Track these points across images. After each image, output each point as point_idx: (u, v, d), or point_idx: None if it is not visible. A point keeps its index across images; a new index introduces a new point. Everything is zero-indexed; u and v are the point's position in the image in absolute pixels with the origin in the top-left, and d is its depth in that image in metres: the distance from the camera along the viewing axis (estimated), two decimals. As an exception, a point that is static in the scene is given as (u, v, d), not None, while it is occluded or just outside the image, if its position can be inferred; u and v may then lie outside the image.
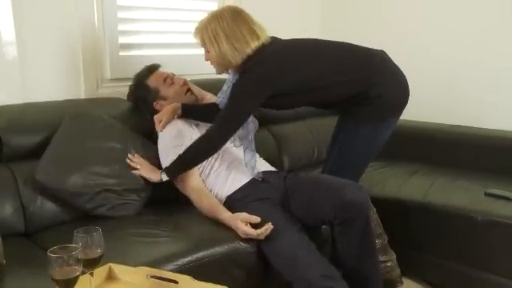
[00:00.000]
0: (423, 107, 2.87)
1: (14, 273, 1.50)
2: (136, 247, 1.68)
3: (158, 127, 2.10)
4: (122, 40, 2.46)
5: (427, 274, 2.29)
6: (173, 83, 2.19)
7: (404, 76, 2.03)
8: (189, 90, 2.21)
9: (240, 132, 2.02)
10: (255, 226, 1.76)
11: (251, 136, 2.06)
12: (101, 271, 1.35)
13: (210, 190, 2.01)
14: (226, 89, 2.03)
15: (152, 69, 2.22)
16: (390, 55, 2.05)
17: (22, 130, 1.94)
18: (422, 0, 3.00)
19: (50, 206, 1.89)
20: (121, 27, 2.44)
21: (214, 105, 2.15)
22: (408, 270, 2.26)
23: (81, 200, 1.87)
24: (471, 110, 2.82)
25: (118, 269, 1.40)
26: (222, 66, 1.97)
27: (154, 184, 2.00)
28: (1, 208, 1.80)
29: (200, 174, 2.03)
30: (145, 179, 1.99)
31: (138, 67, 2.25)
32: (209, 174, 2.04)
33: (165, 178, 1.94)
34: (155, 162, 2.05)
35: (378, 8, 3.20)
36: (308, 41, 2.06)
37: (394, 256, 2.15)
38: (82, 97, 2.32)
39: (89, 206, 1.89)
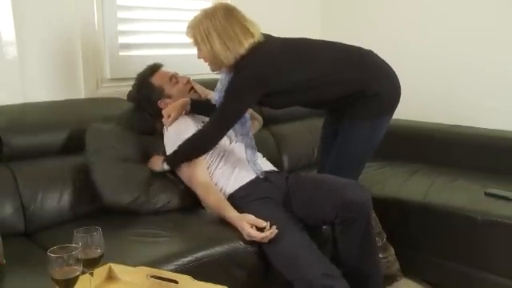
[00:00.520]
0: (423, 107, 2.88)
1: (14, 272, 1.50)
2: (136, 247, 1.69)
3: (166, 121, 2.09)
4: (122, 40, 2.46)
5: (427, 273, 2.29)
6: (177, 82, 2.19)
7: (395, 73, 2.04)
8: (192, 88, 2.21)
9: (240, 129, 2.03)
10: (260, 228, 1.76)
11: (251, 133, 2.07)
12: (101, 271, 1.35)
13: (215, 184, 2.01)
14: (221, 88, 2.03)
15: (155, 68, 2.22)
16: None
17: (22, 130, 1.95)
18: (423, 0, 3.00)
19: (49, 206, 1.90)
20: (121, 27, 2.44)
21: None
22: (408, 270, 2.26)
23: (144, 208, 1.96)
24: (471, 109, 2.81)
25: (118, 269, 1.40)
26: (215, 65, 1.96)
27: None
28: (1, 208, 1.80)
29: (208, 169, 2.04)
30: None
31: (138, 67, 2.25)
32: (214, 170, 2.04)
33: (166, 167, 1.99)
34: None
35: (378, 8, 3.20)
36: (302, 40, 2.05)
37: (393, 251, 2.17)
38: (82, 97, 2.32)
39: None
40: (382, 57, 2.05)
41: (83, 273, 1.18)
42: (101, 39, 2.36)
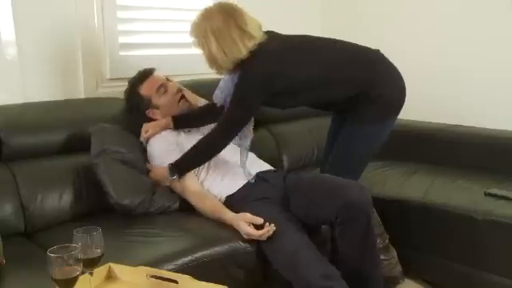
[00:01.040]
0: (423, 107, 2.87)
1: (14, 272, 1.50)
2: (136, 247, 1.68)
3: (142, 136, 2.10)
4: (122, 40, 2.46)
5: (427, 273, 2.29)
6: (166, 92, 2.15)
7: (401, 75, 2.03)
8: (182, 97, 2.18)
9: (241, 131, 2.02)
10: (258, 226, 1.76)
11: (250, 136, 2.07)
12: (101, 271, 1.35)
13: (208, 191, 2.01)
14: (223, 85, 2.02)
15: (144, 77, 2.18)
16: (390, 54, 2.05)
17: (22, 130, 1.95)
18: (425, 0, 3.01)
19: (49, 206, 1.90)
20: (120, 27, 2.44)
21: (208, 105, 2.16)
22: (408, 270, 2.26)
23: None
24: (471, 109, 2.81)
25: (118, 268, 1.40)
26: (214, 68, 1.94)
27: None
28: (0, 208, 1.80)
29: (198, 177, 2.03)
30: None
31: (138, 67, 2.24)
32: (205, 177, 2.04)
33: (171, 178, 1.95)
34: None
35: (378, 7, 3.20)
36: (307, 38, 2.03)
37: (395, 253, 2.16)
38: (82, 96, 2.32)
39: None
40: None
41: (83, 273, 1.18)
42: (100, 39, 2.36)
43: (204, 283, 1.31)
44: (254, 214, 1.78)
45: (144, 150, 2.11)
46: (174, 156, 1.99)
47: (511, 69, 2.70)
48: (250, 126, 2.05)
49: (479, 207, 2.10)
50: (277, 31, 2.01)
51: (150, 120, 2.16)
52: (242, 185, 1.99)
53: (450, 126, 2.82)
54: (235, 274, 1.74)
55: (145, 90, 2.15)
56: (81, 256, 1.14)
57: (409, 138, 2.80)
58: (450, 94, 2.92)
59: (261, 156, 2.22)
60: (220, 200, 1.97)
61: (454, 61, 2.89)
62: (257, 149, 2.21)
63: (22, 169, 1.90)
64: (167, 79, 2.21)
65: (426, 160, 2.73)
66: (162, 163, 2.01)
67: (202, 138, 1.96)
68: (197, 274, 1.37)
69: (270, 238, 1.74)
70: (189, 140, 2.09)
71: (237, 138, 2.02)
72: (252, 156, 2.15)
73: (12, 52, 2.07)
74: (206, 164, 2.04)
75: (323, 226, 1.94)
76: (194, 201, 1.96)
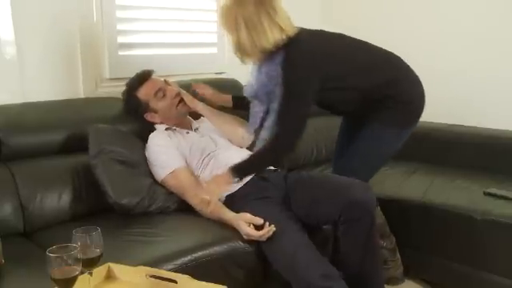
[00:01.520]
0: (422, 107, 2.87)
1: (13, 272, 1.50)
2: (135, 247, 1.68)
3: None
4: (121, 39, 2.45)
5: (426, 273, 2.29)
6: (164, 96, 2.14)
7: (421, 82, 2.03)
8: (180, 101, 2.17)
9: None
10: (258, 226, 1.76)
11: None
12: (100, 271, 1.35)
13: None
14: (252, 78, 1.97)
15: (142, 80, 2.16)
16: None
17: (21, 130, 1.94)
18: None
19: (48, 206, 1.89)
20: (120, 27, 2.43)
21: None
22: (407, 270, 2.26)
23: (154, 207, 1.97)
24: (471, 109, 2.81)
25: (117, 268, 1.40)
26: (242, 56, 1.89)
27: None
28: (0, 208, 1.80)
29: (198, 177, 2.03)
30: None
31: (138, 67, 2.24)
32: (204, 177, 2.02)
33: (235, 180, 1.87)
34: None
35: (379, 5, 3.19)
36: (338, 36, 1.98)
37: (398, 254, 2.18)
38: (81, 96, 2.31)
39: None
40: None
41: (82, 272, 1.18)
42: (100, 39, 2.36)
43: (203, 283, 1.31)
44: (254, 213, 1.78)
45: (142, 148, 2.10)
46: (177, 158, 2.00)
47: (511, 69, 2.70)
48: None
49: (478, 207, 2.11)
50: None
51: (148, 123, 2.16)
52: (246, 180, 1.97)
53: (449, 125, 2.82)
54: (235, 274, 1.74)
55: (143, 93, 2.14)
56: (80, 256, 1.14)
57: (408, 138, 2.79)
58: (450, 94, 2.91)
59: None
60: (220, 199, 1.97)
61: (454, 60, 2.89)
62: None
63: (21, 169, 1.90)
64: (166, 82, 2.20)
65: (426, 160, 2.73)
66: (168, 166, 2.00)
67: (266, 145, 1.89)
68: (196, 273, 1.37)
69: (269, 239, 1.74)
70: (188, 141, 2.09)
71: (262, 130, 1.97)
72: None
73: (11, 52, 2.07)
74: (207, 164, 2.04)
75: (324, 226, 1.93)
76: (193, 203, 1.96)
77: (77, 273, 1.13)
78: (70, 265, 1.11)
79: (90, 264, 1.22)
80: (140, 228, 1.82)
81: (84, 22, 2.29)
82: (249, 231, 1.74)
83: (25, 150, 1.94)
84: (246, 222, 1.76)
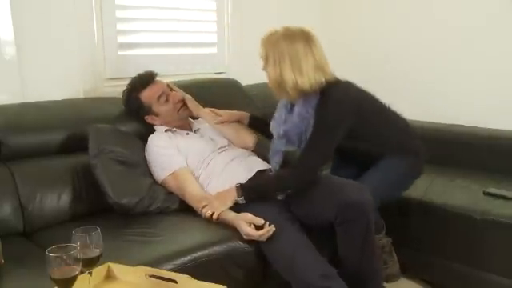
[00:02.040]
0: (422, 106, 2.87)
1: (13, 272, 1.50)
2: (135, 247, 1.68)
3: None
4: (121, 39, 2.46)
5: (426, 273, 2.29)
6: (167, 101, 2.14)
7: None
8: (183, 106, 2.17)
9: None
10: (258, 226, 1.76)
11: None
12: (100, 271, 1.35)
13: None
14: (278, 117, 1.99)
15: (146, 82, 2.15)
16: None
17: (21, 130, 1.95)
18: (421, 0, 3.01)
19: (48, 206, 1.89)
20: (120, 26, 2.44)
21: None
22: (406, 270, 2.26)
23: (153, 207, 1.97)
24: (470, 109, 2.81)
25: (117, 268, 1.40)
26: (278, 91, 1.88)
27: None
28: (0, 207, 1.80)
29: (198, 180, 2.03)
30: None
31: (137, 66, 2.24)
32: (205, 180, 2.03)
33: (239, 199, 1.88)
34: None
35: (377, 7, 3.19)
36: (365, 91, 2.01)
37: (395, 254, 2.18)
38: (81, 96, 2.31)
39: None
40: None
41: (82, 272, 1.18)
42: (99, 38, 2.36)
43: (203, 283, 1.31)
44: (253, 213, 1.78)
45: (141, 149, 2.10)
46: (177, 159, 2.01)
47: (511, 69, 2.70)
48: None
49: (478, 207, 2.11)
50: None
51: (148, 124, 2.16)
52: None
53: (449, 125, 2.82)
54: (234, 274, 1.74)
55: (146, 96, 2.14)
56: (80, 256, 1.14)
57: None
58: (450, 94, 2.92)
59: (260, 156, 2.22)
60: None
61: (454, 60, 2.88)
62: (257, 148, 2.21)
63: (20, 168, 1.90)
64: (169, 87, 2.19)
65: (425, 159, 2.72)
66: (168, 167, 2.01)
67: (284, 171, 1.91)
68: (196, 273, 1.37)
69: (269, 239, 1.74)
70: (187, 142, 2.09)
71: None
72: (252, 155, 2.15)
73: (11, 52, 2.07)
74: (207, 164, 2.04)
75: (323, 227, 1.93)
76: (194, 205, 1.96)
77: (76, 273, 1.13)
78: (70, 265, 1.12)
79: (89, 264, 1.22)
80: (140, 228, 1.82)
81: (83, 21, 2.29)
82: (249, 231, 1.74)
83: (24, 150, 1.94)
84: (246, 222, 1.76)
